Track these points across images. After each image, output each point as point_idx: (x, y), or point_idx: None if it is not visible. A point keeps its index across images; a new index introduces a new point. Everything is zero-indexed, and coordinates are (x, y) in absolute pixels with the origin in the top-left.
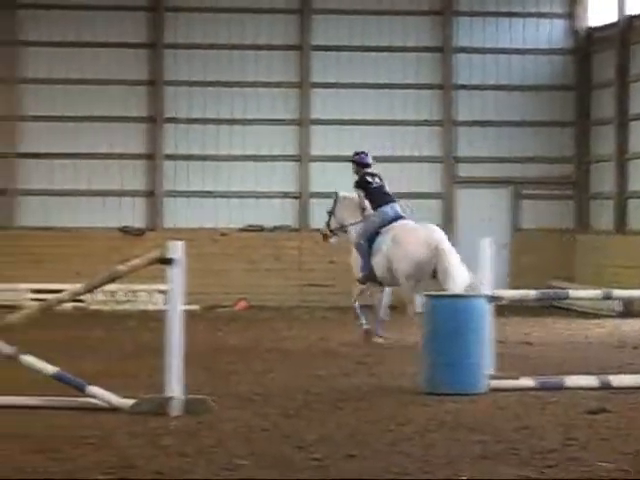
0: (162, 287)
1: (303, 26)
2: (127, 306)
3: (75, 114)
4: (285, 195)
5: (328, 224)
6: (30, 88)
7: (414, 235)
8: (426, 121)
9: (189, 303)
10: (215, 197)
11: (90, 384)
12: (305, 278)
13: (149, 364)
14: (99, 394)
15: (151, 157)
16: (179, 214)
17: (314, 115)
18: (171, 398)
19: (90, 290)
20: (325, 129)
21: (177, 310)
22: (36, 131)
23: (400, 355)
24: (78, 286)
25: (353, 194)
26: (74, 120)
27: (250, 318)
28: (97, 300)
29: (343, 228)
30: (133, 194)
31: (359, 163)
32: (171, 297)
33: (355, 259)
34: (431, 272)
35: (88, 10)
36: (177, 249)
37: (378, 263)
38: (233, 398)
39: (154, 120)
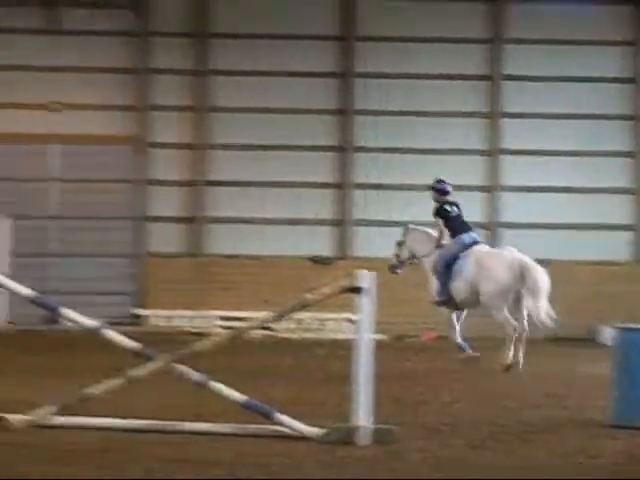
0: (350, 316)
1: (493, 56)
2: (315, 334)
3: (262, 142)
4: (475, 225)
5: (398, 255)
6: (219, 116)
7: (497, 257)
8: (618, 152)
9: (377, 332)
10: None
11: (278, 412)
12: None
13: (338, 392)
14: (287, 422)
15: (340, 186)
16: (369, 243)
17: (504, 145)
18: (359, 427)
19: (279, 318)
20: (514, 159)
21: (366, 339)
22: (225, 159)
23: (588, 387)
24: (268, 314)
25: (422, 227)
26: (261, 149)
27: (438, 348)
28: (286, 328)
29: (414, 259)
30: (321, 223)
31: (439, 191)
32: (360, 326)
33: (432, 284)
34: (515, 295)
35: (277, 39)
36: (367, 278)
37: (458, 287)
38: (420, 428)
39: (343, 149)
